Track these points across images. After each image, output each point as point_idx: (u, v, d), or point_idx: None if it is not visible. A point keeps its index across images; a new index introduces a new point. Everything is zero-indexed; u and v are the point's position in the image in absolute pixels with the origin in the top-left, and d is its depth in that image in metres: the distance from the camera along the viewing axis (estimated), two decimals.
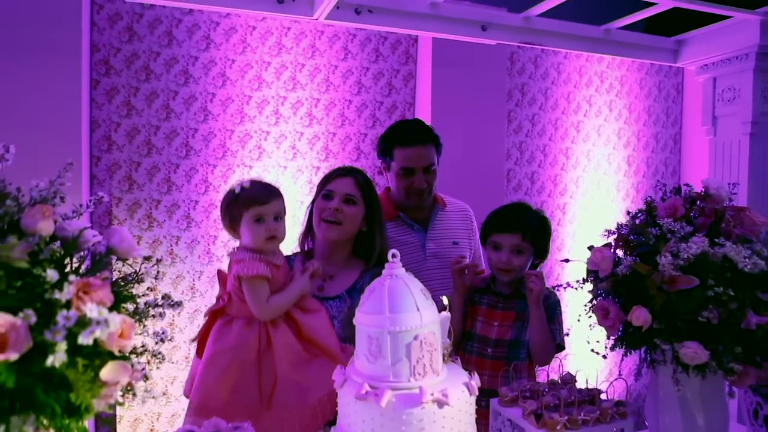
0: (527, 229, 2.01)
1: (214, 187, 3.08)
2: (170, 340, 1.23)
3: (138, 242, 2.94)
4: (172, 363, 2.97)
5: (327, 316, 1.75)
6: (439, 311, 1.25)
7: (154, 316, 1.15)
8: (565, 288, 1.63)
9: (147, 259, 1.18)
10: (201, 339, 1.72)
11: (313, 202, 2.03)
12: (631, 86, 4.06)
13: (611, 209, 3.98)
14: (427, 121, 3.27)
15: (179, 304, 1.18)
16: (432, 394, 1.12)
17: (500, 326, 2.02)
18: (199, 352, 1.71)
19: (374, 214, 1.98)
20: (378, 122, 3.35)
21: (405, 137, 2.33)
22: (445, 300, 1.31)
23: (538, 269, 2.09)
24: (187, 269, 3.03)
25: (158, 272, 1.18)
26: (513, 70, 3.66)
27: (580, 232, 3.86)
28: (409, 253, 2.32)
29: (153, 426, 2.96)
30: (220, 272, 1.81)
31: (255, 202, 1.71)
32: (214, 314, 1.73)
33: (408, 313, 1.16)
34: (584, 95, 3.91)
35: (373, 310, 1.17)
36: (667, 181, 4.19)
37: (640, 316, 1.42)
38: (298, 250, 2.05)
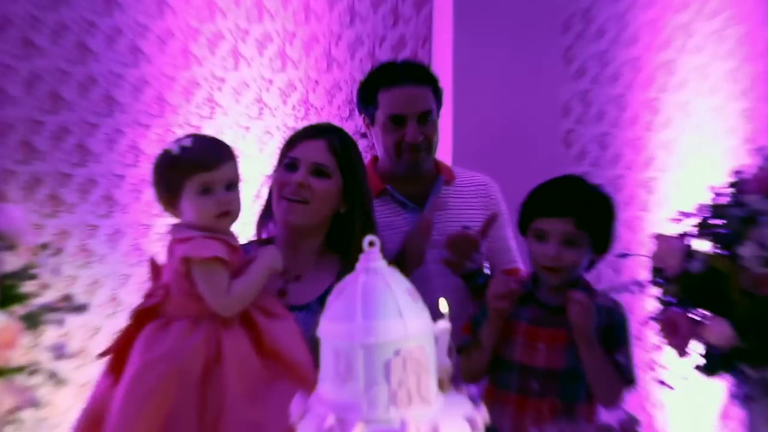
0: (583, 211, 2.08)
1: (147, 156, 3.18)
2: (73, 357, 1.34)
3: (37, 233, 3.05)
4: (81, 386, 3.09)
5: (296, 324, 1.86)
6: (434, 319, 1.35)
7: (50, 322, 1.27)
8: (617, 294, 1.72)
9: (43, 247, 1.30)
10: (118, 353, 1.82)
11: (273, 173, 2.14)
12: (749, 7, 4.10)
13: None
14: (449, 62, 3.37)
15: (83, 308, 1.30)
16: (418, 430, 1.22)
17: (549, 350, 2.08)
18: (113, 370, 1.81)
19: (356, 190, 2.09)
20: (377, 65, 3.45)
21: (391, 75, 2.49)
22: (443, 304, 1.41)
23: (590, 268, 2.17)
24: (108, 272, 3.14)
25: (56, 266, 1.29)
26: None
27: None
28: (398, 240, 2.43)
29: None
30: (152, 261, 1.93)
31: (200, 167, 1.82)
32: (141, 316, 1.84)
33: (388, 320, 1.26)
34: (678, 22, 3.96)
35: (342, 316, 1.28)
36: None
37: (717, 331, 1.51)
38: (254, 238, 2.17)
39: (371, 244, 1.33)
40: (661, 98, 3.97)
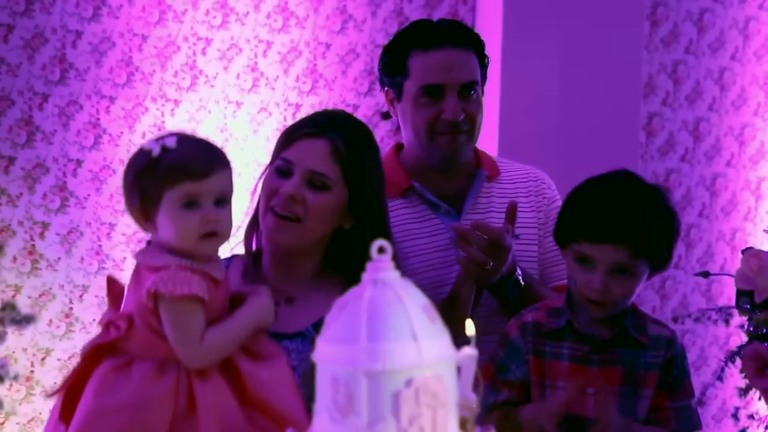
0: (641, 237, 2.12)
1: (111, 136, 3.31)
2: (14, 379, 1.46)
3: None
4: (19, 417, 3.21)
5: (288, 366, 1.95)
6: (458, 345, 1.45)
7: None
8: (680, 322, 1.81)
9: None
10: (69, 392, 1.91)
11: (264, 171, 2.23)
12: None
13: None
14: (497, 24, 3.44)
15: (28, 319, 1.41)
16: None
17: (600, 395, 2.15)
18: (64, 415, 1.90)
19: (367, 204, 2.16)
20: (407, 24, 3.53)
21: (427, 35, 2.54)
22: (470, 327, 1.50)
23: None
24: (60, 282, 3.27)
25: None
26: None
27: None
28: (428, 250, 2.52)
29: None
30: (111, 281, 2.01)
31: (186, 175, 1.88)
32: (97, 351, 1.92)
33: (398, 343, 1.35)
34: None
35: (343, 336, 1.37)
36: None
37: None
38: (239, 250, 2.27)
39: (381, 250, 1.43)
40: None
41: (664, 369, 2.15)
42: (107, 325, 1.95)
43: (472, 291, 2.38)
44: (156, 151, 1.88)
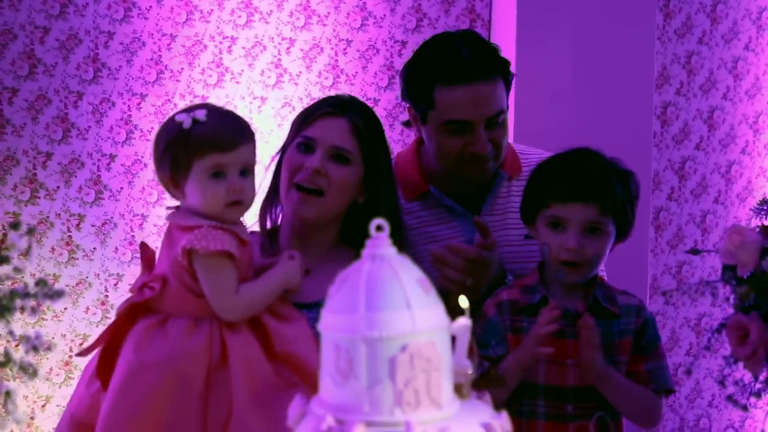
0: (609, 194, 2.24)
1: (142, 131, 3.42)
2: (48, 349, 1.58)
3: (12, 223, 3.31)
4: (47, 380, 3.33)
5: (310, 327, 2.07)
6: (452, 315, 1.56)
7: (22, 309, 1.50)
8: (668, 296, 1.92)
9: (14, 226, 1.54)
10: (104, 354, 2.05)
11: (282, 150, 2.33)
12: None
13: None
14: (512, 15, 3.51)
15: (60, 294, 1.53)
16: None
17: (579, 365, 2.25)
18: (99, 374, 2.04)
19: (379, 176, 2.28)
20: (426, 21, 3.62)
21: (453, 68, 2.47)
22: (463, 300, 1.61)
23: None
24: (95, 270, 3.39)
25: (29, 248, 1.53)
26: None
27: None
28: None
29: None
30: (144, 246, 2.16)
31: (214, 147, 2.02)
32: (132, 311, 2.05)
33: (394, 312, 1.46)
34: None
35: (343, 307, 1.48)
36: None
37: None
38: (256, 226, 2.38)
39: (379, 228, 1.54)
40: None
41: (637, 335, 2.26)
42: (141, 287, 2.08)
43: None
44: (187, 123, 2.01)
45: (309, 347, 2.01)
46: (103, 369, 2.04)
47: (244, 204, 2.08)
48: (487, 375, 2.22)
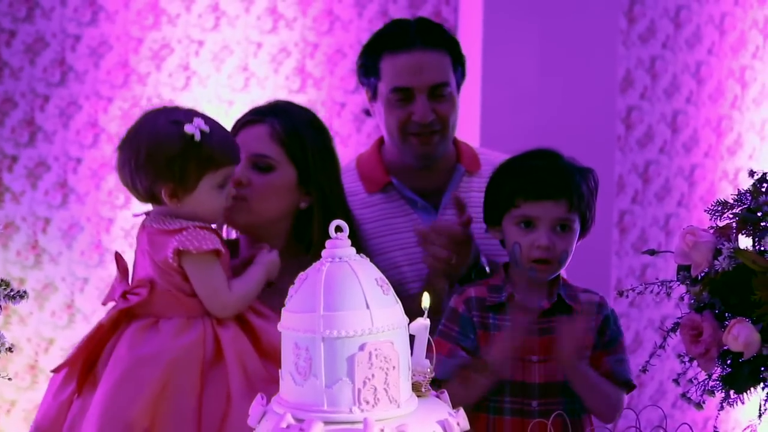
0: (577, 192, 2.27)
1: (109, 135, 3.42)
2: (9, 350, 1.60)
3: None
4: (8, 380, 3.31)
5: None
6: (409, 315, 1.59)
7: None
8: (624, 296, 1.95)
9: None
10: (85, 359, 2.05)
11: None
12: None
13: None
14: (478, 22, 3.55)
15: (22, 295, 1.55)
16: (383, 431, 1.45)
17: (544, 361, 2.29)
18: (73, 378, 2.04)
19: (314, 181, 2.32)
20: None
21: (397, 37, 2.58)
22: (425, 299, 1.64)
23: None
24: (62, 274, 3.39)
25: None
26: None
27: None
28: (408, 245, 2.61)
29: None
30: (118, 257, 2.17)
31: (226, 160, 2.08)
32: (117, 319, 2.06)
33: (352, 311, 1.49)
34: None
35: (303, 306, 1.51)
36: None
37: (739, 335, 1.72)
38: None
39: (338, 229, 1.57)
40: (754, 67, 4.10)
41: (600, 330, 2.29)
42: (123, 294, 2.09)
43: (445, 283, 2.47)
44: (197, 134, 2.02)
45: None
46: (81, 375, 2.05)
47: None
48: (476, 365, 2.25)
